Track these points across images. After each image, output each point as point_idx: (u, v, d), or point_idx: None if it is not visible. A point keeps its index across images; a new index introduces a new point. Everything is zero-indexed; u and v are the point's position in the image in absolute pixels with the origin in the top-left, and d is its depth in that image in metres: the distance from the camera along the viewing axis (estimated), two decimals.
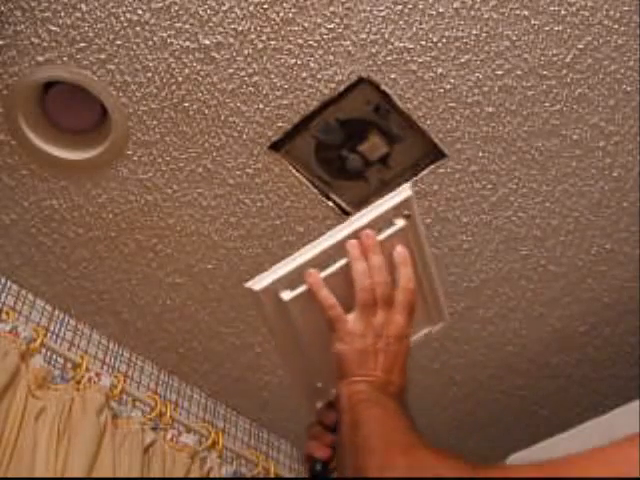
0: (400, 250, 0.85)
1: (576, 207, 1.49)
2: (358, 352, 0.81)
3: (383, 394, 0.79)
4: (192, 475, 1.66)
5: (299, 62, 1.24)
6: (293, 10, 1.17)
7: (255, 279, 0.85)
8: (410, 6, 1.16)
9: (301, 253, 0.85)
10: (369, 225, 0.85)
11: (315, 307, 0.83)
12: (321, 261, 0.85)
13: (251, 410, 1.97)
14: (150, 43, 1.22)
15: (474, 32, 1.20)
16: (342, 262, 0.84)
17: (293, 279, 0.84)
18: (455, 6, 1.16)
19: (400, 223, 0.86)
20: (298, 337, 0.88)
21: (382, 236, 0.85)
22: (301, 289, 0.84)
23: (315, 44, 1.22)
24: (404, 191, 0.86)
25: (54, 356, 1.58)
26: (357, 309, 0.82)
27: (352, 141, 1.38)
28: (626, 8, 1.16)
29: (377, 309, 0.82)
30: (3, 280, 1.62)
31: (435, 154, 1.39)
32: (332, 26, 1.19)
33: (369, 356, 0.81)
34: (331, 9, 1.17)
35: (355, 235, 0.84)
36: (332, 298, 0.83)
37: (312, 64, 1.24)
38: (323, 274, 0.84)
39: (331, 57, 1.23)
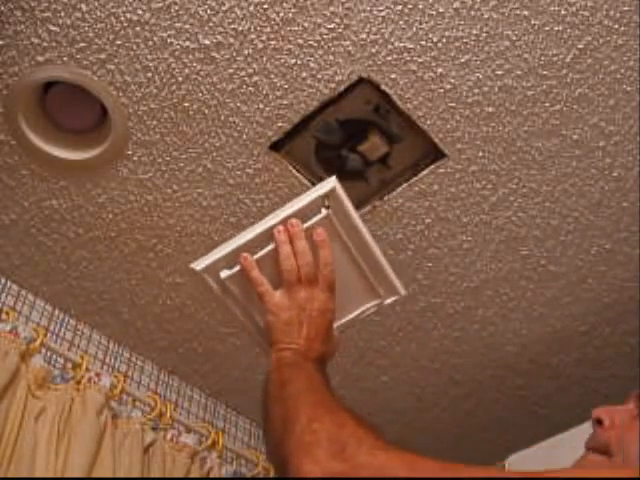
0: (319, 232, 0.97)
1: (576, 207, 1.49)
2: (284, 323, 0.95)
3: (304, 359, 0.92)
4: (192, 475, 1.66)
5: (299, 62, 1.24)
6: (293, 10, 1.17)
7: (198, 261, 1.02)
8: (410, 6, 1.16)
9: (237, 238, 0.99)
10: (296, 214, 0.97)
11: (250, 285, 0.97)
12: (254, 245, 0.98)
13: (251, 410, 1.97)
14: (150, 43, 1.22)
15: (474, 32, 1.20)
16: (271, 246, 0.97)
17: (230, 260, 0.99)
18: (455, 6, 1.16)
19: (323, 212, 0.97)
20: (241, 309, 1.04)
21: (307, 224, 0.97)
22: (236, 269, 0.98)
23: (315, 44, 1.22)
24: (329, 183, 0.98)
25: (54, 356, 1.58)
26: (283, 287, 0.95)
27: (352, 141, 1.38)
28: (626, 8, 1.16)
29: (301, 287, 0.95)
30: (3, 280, 1.62)
31: (435, 154, 1.39)
32: (332, 26, 1.19)
33: (294, 327, 0.95)
34: (331, 9, 1.17)
35: (283, 223, 0.96)
36: (261, 277, 0.96)
37: (312, 64, 1.24)
38: (255, 256, 0.97)
39: (331, 57, 1.23)
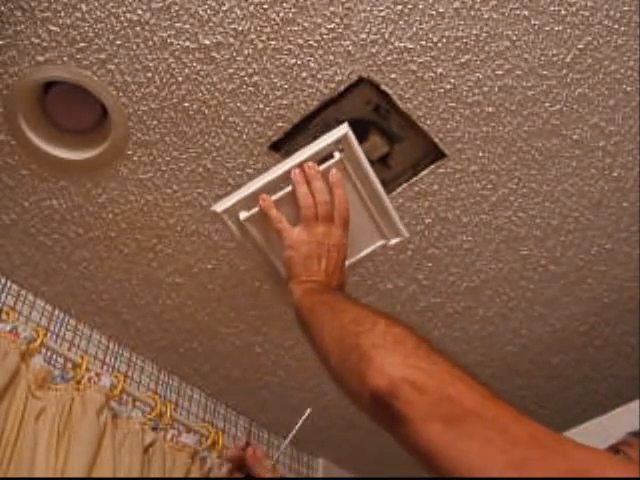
0: (334, 173, 1.03)
1: (576, 207, 1.49)
2: (303, 257, 0.98)
3: (329, 287, 0.95)
4: (192, 475, 1.66)
5: (299, 62, 1.24)
6: (293, 10, 1.17)
7: (218, 203, 1.06)
8: (410, 6, 1.16)
9: (255, 181, 1.05)
10: (311, 158, 1.04)
11: (269, 224, 1.03)
12: (272, 188, 1.04)
13: (251, 410, 1.98)
14: (150, 43, 1.22)
15: (474, 32, 1.20)
16: (289, 188, 1.03)
17: (249, 202, 1.04)
18: (455, 6, 1.16)
19: (337, 156, 1.04)
20: (260, 252, 1.09)
21: (323, 166, 1.03)
22: (255, 210, 1.04)
23: (315, 44, 1.22)
24: (341, 129, 1.04)
25: (54, 356, 1.58)
26: (301, 223, 1.01)
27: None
28: (626, 8, 1.16)
29: (319, 223, 1.00)
30: (3, 280, 1.62)
31: (435, 154, 1.39)
32: (332, 26, 1.19)
33: (313, 260, 0.98)
34: (331, 9, 1.17)
35: (300, 166, 1.03)
36: (280, 215, 1.02)
37: (312, 64, 1.24)
38: (274, 197, 1.03)
39: (331, 57, 1.23)
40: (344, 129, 1.04)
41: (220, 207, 1.06)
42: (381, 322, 0.70)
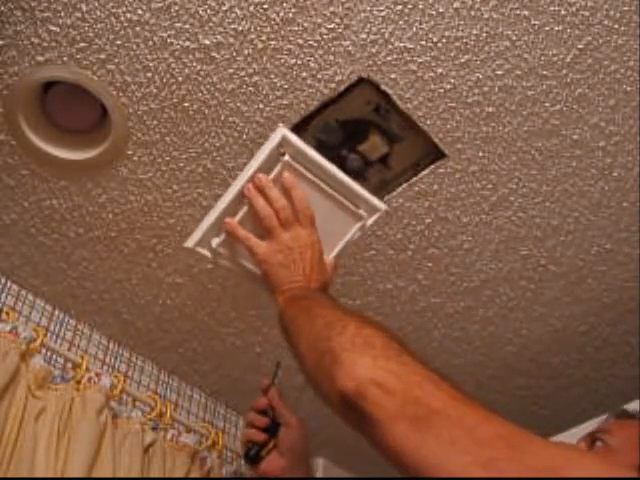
0: (286, 176, 1.04)
1: (576, 207, 1.49)
2: (277, 266, 1.00)
3: (309, 290, 0.96)
4: (192, 475, 1.66)
5: (299, 62, 1.24)
6: (293, 10, 1.17)
7: (189, 239, 1.10)
8: (410, 6, 1.16)
9: (215, 209, 1.07)
10: (259, 169, 1.05)
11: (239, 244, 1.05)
12: (233, 209, 1.06)
13: None
14: (150, 43, 1.22)
15: (474, 32, 1.20)
16: (247, 205, 1.05)
17: (217, 229, 1.07)
18: (455, 6, 1.16)
19: (282, 159, 1.05)
20: (240, 268, 1.12)
21: (272, 175, 1.05)
22: (223, 235, 1.07)
23: (315, 44, 1.22)
24: (278, 133, 1.05)
25: (54, 356, 1.58)
26: (267, 234, 1.02)
27: (352, 141, 1.38)
28: (626, 8, 1.16)
29: (283, 229, 1.01)
30: (3, 280, 1.62)
31: (435, 154, 1.39)
32: (332, 26, 1.19)
33: (288, 267, 0.99)
34: (331, 9, 1.17)
35: (250, 180, 1.05)
36: (246, 233, 1.03)
37: (312, 64, 1.24)
38: (236, 218, 1.05)
39: (331, 57, 1.23)
40: (280, 132, 1.05)
41: (191, 242, 1.09)
42: (351, 325, 0.72)
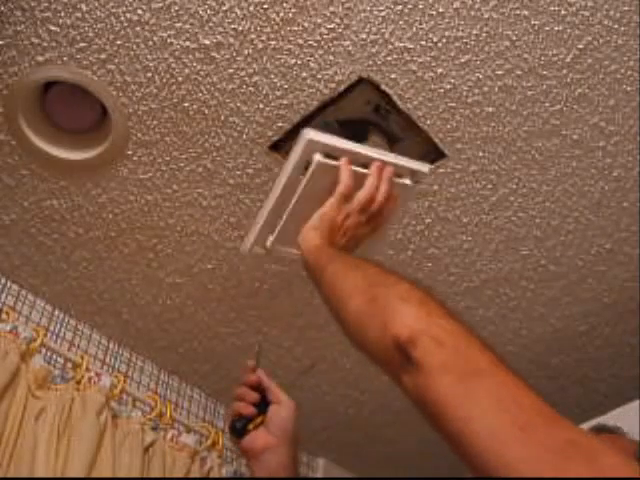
0: (395, 195, 1.08)
1: (576, 207, 1.49)
2: (338, 225, 1.02)
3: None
4: (192, 475, 1.66)
5: (299, 62, 1.24)
6: (293, 10, 1.17)
7: (242, 245, 1.16)
8: (410, 6, 1.16)
9: (261, 212, 1.12)
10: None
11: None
12: (278, 210, 1.10)
13: None
14: (150, 43, 1.21)
15: (474, 32, 1.20)
16: (294, 198, 1.08)
17: (267, 228, 1.11)
18: (455, 6, 1.16)
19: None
20: (294, 254, 1.11)
21: (307, 174, 1.07)
22: (276, 232, 1.11)
23: (315, 44, 1.22)
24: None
25: (54, 356, 1.58)
26: (355, 205, 1.03)
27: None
28: (626, 8, 1.16)
29: (357, 214, 1.03)
30: (3, 280, 1.62)
31: (435, 154, 1.39)
32: (332, 26, 1.19)
33: (339, 233, 1.02)
34: (331, 9, 1.17)
35: (384, 163, 1.07)
36: (351, 178, 1.05)
37: (312, 64, 1.24)
38: (284, 215, 1.09)
39: (331, 57, 1.23)
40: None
41: (245, 247, 1.15)
42: (405, 282, 0.76)
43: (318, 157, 1.08)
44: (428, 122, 1.33)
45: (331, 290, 0.87)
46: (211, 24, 1.19)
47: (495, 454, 0.53)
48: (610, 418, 1.50)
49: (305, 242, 1.01)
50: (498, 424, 0.54)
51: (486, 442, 0.54)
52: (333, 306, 0.85)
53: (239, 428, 1.08)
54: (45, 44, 1.22)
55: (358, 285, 0.80)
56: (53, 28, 1.19)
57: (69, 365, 1.58)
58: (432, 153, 1.39)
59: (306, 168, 1.08)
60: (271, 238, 1.12)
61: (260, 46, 1.22)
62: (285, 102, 1.30)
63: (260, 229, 1.13)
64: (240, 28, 1.19)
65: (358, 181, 1.06)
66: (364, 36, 1.20)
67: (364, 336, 0.74)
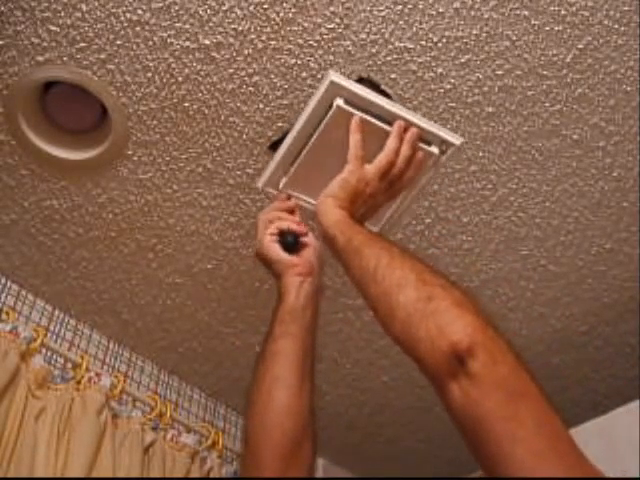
0: (421, 158, 1.04)
1: (576, 207, 1.49)
2: (360, 194, 0.98)
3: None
4: (192, 475, 1.66)
5: (299, 62, 1.24)
6: (293, 10, 1.17)
7: (258, 179, 1.14)
8: (410, 6, 1.16)
9: (279, 150, 1.09)
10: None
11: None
12: (296, 150, 1.07)
13: None
14: (150, 43, 1.22)
15: (474, 32, 1.20)
16: (310, 143, 1.05)
17: (283, 169, 1.09)
18: (455, 6, 1.16)
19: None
20: (306, 201, 1.12)
21: (327, 118, 1.03)
22: (290, 174, 1.09)
23: (315, 44, 1.22)
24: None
25: (54, 356, 1.58)
26: (375, 169, 0.99)
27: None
28: (626, 8, 1.16)
29: (379, 179, 0.99)
30: (3, 280, 1.62)
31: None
32: (332, 26, 1.19)
33: (360, 203, 0.98)
34: (331, 9, 1.17)
35: (409, 124, 1.02)
36: (360, 141, 1.00)
37: (312, 64, 1.24)
38: (301, 156, 1.07)
39: (331, 57, 1.23)
40: (328, 78, 1.01)
41: (261, 182, 1.13)
42: (457, 286, 0.74)
43: (339, 102, 1.01)
44: None
45: (369, 274, 0.82)
46: (211, 24, 1.19)
47: (538, 474, 0.56)
48: (610, 418, 1.50)
49: (326, 215, 0.95)
50: (540, 449, 0.57)
51: (529, 463, 0.57)
52: (371, 291, 0.81)
53: (292, 241, 1.06)
54: (45, 44, 1.22)
55: (408, 278, 0.76)
56: (53, 28, 1.19)
57: (69, 365, 1.58)
58: None
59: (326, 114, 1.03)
60: (284, 180, 1.10)
61: (260, 46, 1.22)
62: (285, 102, 1.30)
63: (275, 168, 1.09)
64: (240, 28, 1.19)
65: (381, 139, 1.00)
66: (364, 36, 1.20)
67: (413, 334, 0.71)
